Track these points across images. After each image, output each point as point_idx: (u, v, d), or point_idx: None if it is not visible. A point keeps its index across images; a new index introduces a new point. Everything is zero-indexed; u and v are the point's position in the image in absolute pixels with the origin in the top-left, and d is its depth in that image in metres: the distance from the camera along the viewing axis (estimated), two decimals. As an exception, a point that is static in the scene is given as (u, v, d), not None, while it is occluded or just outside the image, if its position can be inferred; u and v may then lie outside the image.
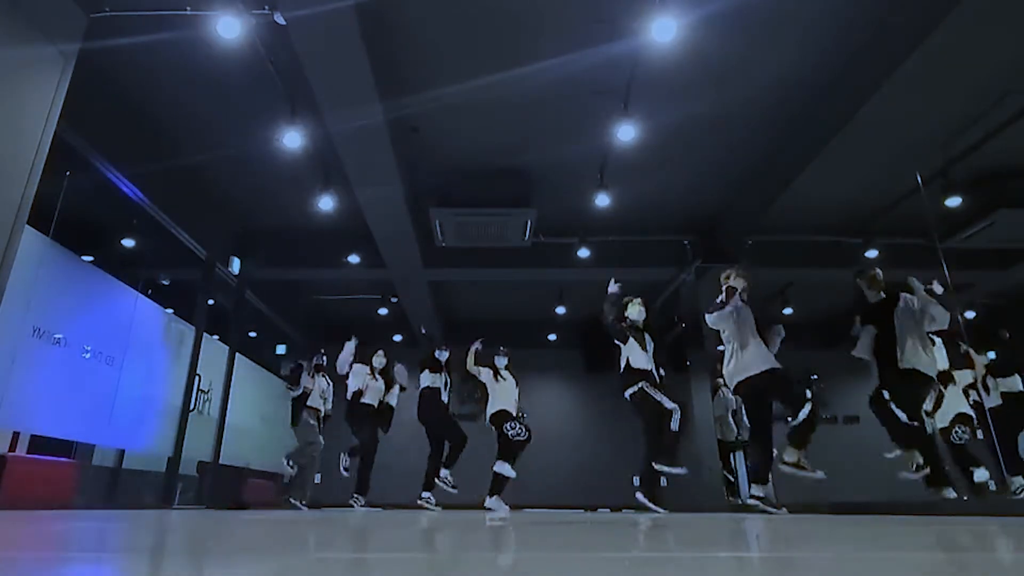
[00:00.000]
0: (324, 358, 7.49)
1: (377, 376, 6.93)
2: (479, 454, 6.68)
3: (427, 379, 6.55)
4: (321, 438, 7.25)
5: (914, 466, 4.47)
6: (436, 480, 6.36)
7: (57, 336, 4.82)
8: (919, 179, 6.18)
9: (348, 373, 6.83)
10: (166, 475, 6.71)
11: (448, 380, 6.67)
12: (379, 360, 7.03)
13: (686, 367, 8.50)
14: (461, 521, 3.31)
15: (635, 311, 5.34)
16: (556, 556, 1.40)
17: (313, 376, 7.39)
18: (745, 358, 4.61)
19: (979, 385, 6.28)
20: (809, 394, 4.52)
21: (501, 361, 6.47)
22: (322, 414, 7.32)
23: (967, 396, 6.16)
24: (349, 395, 6.80)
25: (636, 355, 5.11)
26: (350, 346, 6.86)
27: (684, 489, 8.22)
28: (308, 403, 7.27)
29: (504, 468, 5.98)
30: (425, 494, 6.41)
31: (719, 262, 7.78)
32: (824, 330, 10.96)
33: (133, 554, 1.42)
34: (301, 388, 7.29)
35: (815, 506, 4.90)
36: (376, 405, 6.86)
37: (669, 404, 4.90)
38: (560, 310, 10.40)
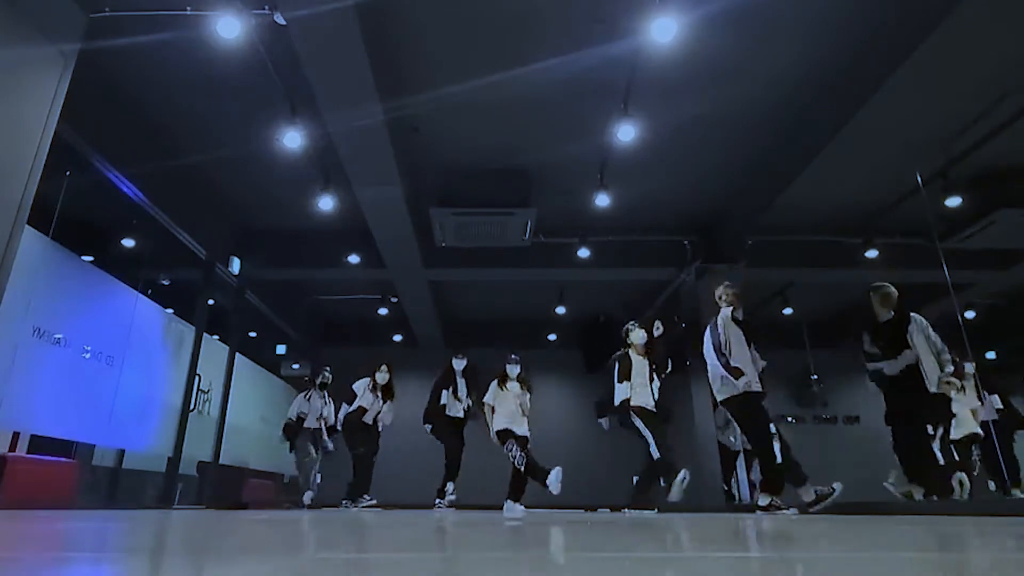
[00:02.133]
0: (329, 376, 7.52)
1: (378, 393, 6.89)
2: (484, 455, 6.69)
3: (444, 396, 6.62)
4: (315, 452, 7.38)
5: (908, 494, 4.51)
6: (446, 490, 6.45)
7: (57, 336, 4.82)
8: (919, 179, 6.18)
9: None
10: (166, 475, 6.71)
11: (455, 388, 6.64)
12: (382, 376, 6.94)
13: (686, 367, 8.50)
14: (463, 521, 3.32)
15: (637, 336, 5.54)
16: (556, 556, 1.40)
17: (309, 398, 7.42)
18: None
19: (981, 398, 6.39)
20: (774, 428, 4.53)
21: (513, 370, 6.26)
22: (319, 434, 7.42)
23: (974, 415, 6.26)
24: (351, 408, 6.86)
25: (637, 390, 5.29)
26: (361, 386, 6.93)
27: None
28: (306, 424, 7.35)
29: (512, 508, 5.85)
30: (439, 501, 6.45)
31: (719, 262, 7.78)
32: (824, 330, 10.98)
33: (133, 554, 1.42)
34: (295, 414, 7.38)
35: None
36: (371, 423, 6.86)
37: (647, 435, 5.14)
38: (560, 310, 10.41)
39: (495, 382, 6.26)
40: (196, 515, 4.20)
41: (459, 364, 6.73)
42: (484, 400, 6.26)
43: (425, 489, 7.55)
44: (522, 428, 6.09)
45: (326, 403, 7.52)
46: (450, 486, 6.47)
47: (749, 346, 4.70)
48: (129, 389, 5.80)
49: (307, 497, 7.23)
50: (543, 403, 7.50)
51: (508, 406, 6.11)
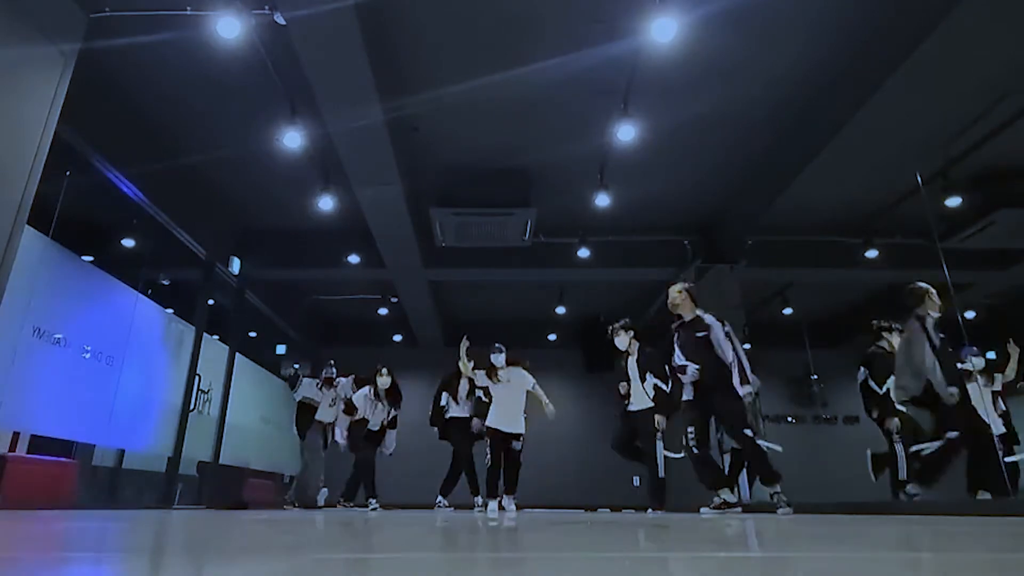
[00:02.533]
0: (334, 370, 7.44)
1: (380, 401, 6.84)
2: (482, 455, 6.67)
3: (445, 399, 6.55)
4: (323, 449, 7.27)
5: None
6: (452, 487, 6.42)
7: (57, 336, 4.82)
8: (919, 179, 6.18)
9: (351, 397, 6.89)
10: (166, 475, 6.70)
11: (456, 389, 6.54)
12: (383, 381, 6.86)
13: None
14: (464, 521, 3.32)
15: (618, 342, 5.61)
16: (556, 556, 1.40)
17: (322, 389, 7.33)
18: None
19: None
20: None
21: (498, 359, 6.09)
22: (330, 428, 7.26)
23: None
24: (353, 419, 6.82)
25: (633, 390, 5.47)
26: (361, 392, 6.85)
27: (684, 490, 8.21)
28: (316, 416, 7.23)
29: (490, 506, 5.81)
30: (440, 500, 6.42)
31: (719, 262, 7.78)
32: (824, 330, 10.98)
33: (133, 554, 1.42)
34: (300, 395, 7.28)
35: (818, 506, 4.90)
36: (377, 429, 6.83)
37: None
38: (560, 310, 10.41)
39: (483, 372, 6.14)
40: (196, 515, 4.20)
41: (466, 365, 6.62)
42: (465, 373, 6.16)
43: (426, 490, 7.53)
44: (512, 426, 5.93)
45: (336, 387, 7.37)
46: (456, 495, 6.35)
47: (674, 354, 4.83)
48: (129, 389, 5.80)
49: (321, 496, 7.17)
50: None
51: (502, 398, 5.97)
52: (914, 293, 4.70)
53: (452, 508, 6.27)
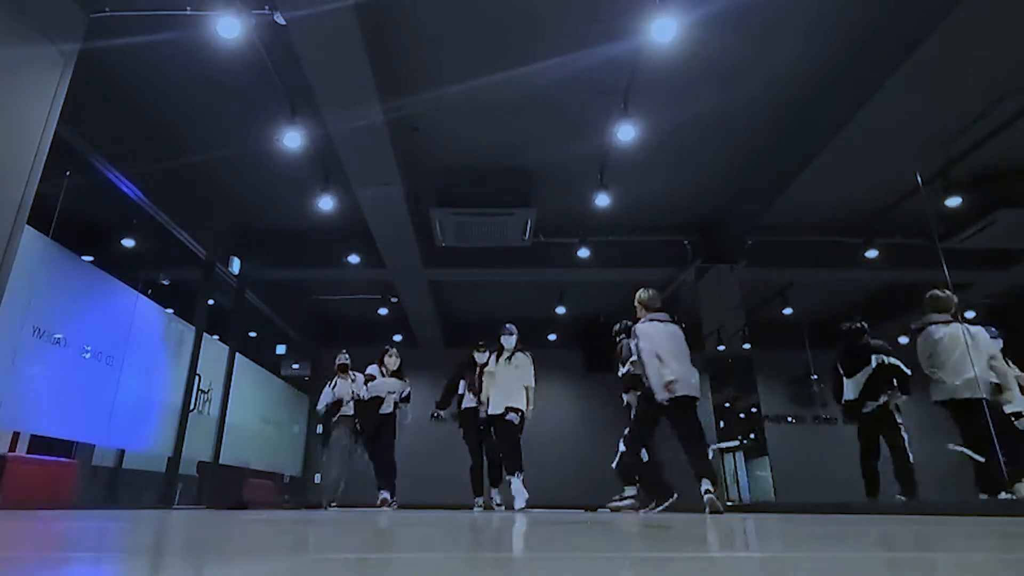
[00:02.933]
0: (347, 355, 7.30)
1: (383, 370, 6.80)
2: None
3: (461, 387, 6.53)
4: (353, 443, 6.96)
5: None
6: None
7: (57, 336, 4.82)
8: (919, 179, 6.18)
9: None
10: (166, 475, 6.70)
11: (471, 380, 6.47)
12: (392, 362, 6.80)
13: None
14: (463, 521, 3.32)
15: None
16: (556, 556, 1.40)
17: (336, 386, 7.09)
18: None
19: None
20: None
21: (508, 341, 6.13)
22: (357, 422, 6.98)
23: None
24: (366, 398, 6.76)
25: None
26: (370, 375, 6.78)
27: (683, 490, 8.21)
28: (343, 412, 6.99)
29: (517, 486, 5.84)
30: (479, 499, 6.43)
31: (719, 262, 7.78)
32: (824, 330, 10.97)
33: (133, 554, 1.42)
34: (325, 406, 7.11)
35: (818, 506, 4.90)
36: (389, 411, 6.77)
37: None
38: (560, 310, 10.42)
39: (492, 356, 6.18)
40: (196, 515, 4.20)
41: (481, 358, 6.49)
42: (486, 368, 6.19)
43: (426, 490, 7.52)
44: (510, 403, 5.90)
45: (354, 380, 7.08)
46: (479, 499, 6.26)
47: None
48: (129, 389, 5.80)
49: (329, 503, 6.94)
50: (543, 403, 7.49)
51: (504, 381, 5.97)
52: (950, 299, 4.88)
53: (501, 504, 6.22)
